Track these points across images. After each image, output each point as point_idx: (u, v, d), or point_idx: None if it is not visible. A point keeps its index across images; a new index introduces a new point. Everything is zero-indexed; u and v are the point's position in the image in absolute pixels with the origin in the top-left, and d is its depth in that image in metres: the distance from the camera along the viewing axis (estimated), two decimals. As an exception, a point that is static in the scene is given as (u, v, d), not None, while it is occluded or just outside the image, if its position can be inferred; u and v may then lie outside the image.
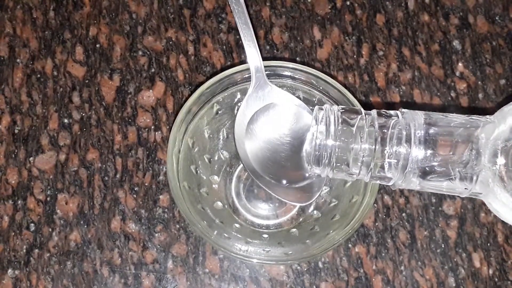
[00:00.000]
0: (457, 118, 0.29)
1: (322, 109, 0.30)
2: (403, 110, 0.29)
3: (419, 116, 0.29)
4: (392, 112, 0.30)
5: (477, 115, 0.29)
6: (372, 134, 0.28)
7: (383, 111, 0.30)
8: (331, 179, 0.37)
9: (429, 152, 0.28)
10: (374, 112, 0.30)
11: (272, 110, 0.34)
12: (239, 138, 0.34)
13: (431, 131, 0.28)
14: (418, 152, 0.28)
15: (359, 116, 0.29)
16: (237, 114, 0.34)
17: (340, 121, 0.29)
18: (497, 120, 0.29)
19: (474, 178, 0.28)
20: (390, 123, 0.29)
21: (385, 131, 0.29)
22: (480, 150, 0.28)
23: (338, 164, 0.29)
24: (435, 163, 0.28)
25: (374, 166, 0.29)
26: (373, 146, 0.28)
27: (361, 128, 0.29)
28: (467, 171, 0.28)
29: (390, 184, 0.30)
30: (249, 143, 0.34)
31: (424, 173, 0.28)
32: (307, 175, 0.34)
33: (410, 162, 0.28)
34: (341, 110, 0.30)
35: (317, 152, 0.29)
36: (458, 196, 0.32)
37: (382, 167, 0.29)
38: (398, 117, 0.29)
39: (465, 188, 0.29)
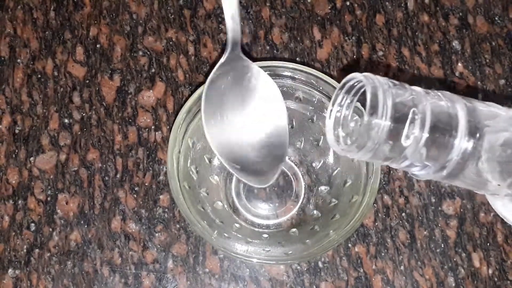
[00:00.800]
0: (499, 108, 0.27)
1: (361, 79, 0.26)
2: (443, 92, 0.27)
3: (462, 102, 0.26)
4: (433, 92, 0.27)
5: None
6: (423, 119, 0.26)
7: (426, 90, 0.27)
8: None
9: (478, 143, 0.26)
10: (421, 91, 0.26)
11: (241, 84, 0.33)
12: (207, 111, 0.33)
13: (478, 119, 0.26)
14: (467, 143, 0.25)
15: (408, 94, 0.26)
16: (204, 85, 0.33)
17: (394, 100, 0.25)
18: None
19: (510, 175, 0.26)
20: (436, 106, 0.26)
21: (432, 116, 0.26)
22: None
23: (380, 148, 0.26)
24: (478, 156, 0.26)
25: (418, 155, 0.26)
26: (423, 134, 0.25)
27: (409, 109, 0.26)
28: (506, 167, 0.26)
29: (418, 173, 0.27)
30: (217, 117, 0.33)
31: (463, 167, 0.26)
32: (268, 158, 0.33)
33: (457, 154, 0.26)
34: (392, 87, 0.26)
35: (358, 132, 0.26)
36: (476, 191, 0.30)
37: (421, 155, 0.26)
38: (442, 100, 0.26)
39: (498, 185, 0.27)
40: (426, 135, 0.26)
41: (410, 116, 0.26)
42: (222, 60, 0.33)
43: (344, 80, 0.28)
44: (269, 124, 0.34)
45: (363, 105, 0.27)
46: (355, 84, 0.28)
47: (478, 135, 0.26)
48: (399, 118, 0.26)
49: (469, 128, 0.26)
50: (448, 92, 0.27)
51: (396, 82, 0.27)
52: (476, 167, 0.26)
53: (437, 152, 0.26)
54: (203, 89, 0.33)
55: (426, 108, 0.26)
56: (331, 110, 0.29)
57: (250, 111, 0.34)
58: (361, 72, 0.40)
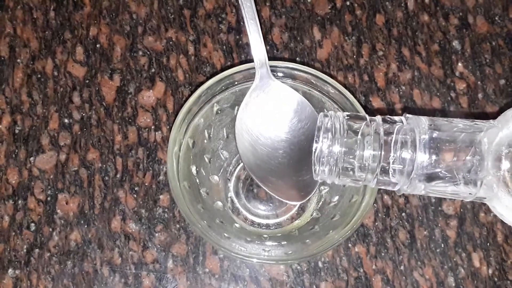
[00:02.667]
0: (460, 123, 0.29)
1: (327, 115, 0.30)
2: (407, 115, 0.30)
3: (423, 121, 0.29)
4: (396, 118, 0.30)
5: (481, 120, 0.29)
6: (377, 140, 0.29)
7: (388, 117, 0.30)
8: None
9: (433, 157, 0.28)
10: (379, 118, 0.30)
11: (274, 106, 0.34)
12: (239, 133, 0.34)
13: (435, 136, 0.28)
14: (423, 158, 0.28)
15: (364, 123, 0.30)
16: (239, 109, 0.34)
17: (345, 127, 0.29)
18: (500, 124, 0.29)
19: (479, 183, 0.28)
20: (395, 128, 0.29)
21: (390, 137, 0.29)
22: (483, 155, 0.28)
23: (344, 171, 0.30)
24: (440, 169, 0.28)
25: (379, 172, 0.29)
26: (378, 152, 0.29)
27: (366, 134, 0.29)
28: (471, 176, 0.28)
29: (395, 189, 0.30)
30: (248, 138, 0.34)
31: (429, 178, 0.28)
32: (304, 174, 0.34)
33: (415, 168, 0.28)
34: (346, 117, 0.30)
35: (323, 159, 0.30)
36: (462, 199, 0.32)
37: (387, 172, 0.29)
38: (403, 123, 0.29)
39: (470, 193, 0.29)
40: (376, 153, 0.29)
41: (366, 142, 0.29)
42: (253, 85, 0.34)
43: (317, 121, 0.31)
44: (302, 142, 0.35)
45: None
46: (326, 123, 0.31)
47: (437, 149, 0.28)
48: (355, 144, 0.29)
49: (428, 144, 0.28)
50: (409, 115, 0.30)
51: (359, 115, 0.31)
52: (445, 178, 0.29)
53: (400, 169, 0.29)
54: (203, 89, 0.33)
55: (381, 132, 0.29)
56: (315, 144, 0.32)
57: (285, 130, 0.35)
58: (361, 72, 0.40)
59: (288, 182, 0.35)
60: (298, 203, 0.38)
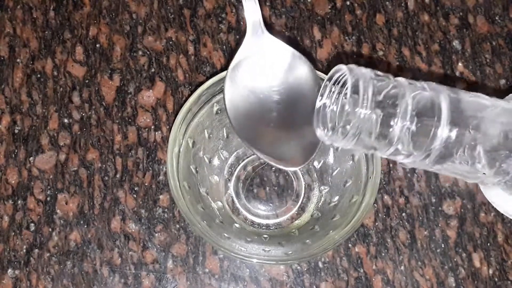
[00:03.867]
0: (485, 99, 0.28)
1: (342, 70, 0.28)
2: (429, 82, 0.28)
3: (446, 92, 0.27)
4: (418, 83, 0.28)
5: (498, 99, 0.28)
6: (405, 108, 0.27)
7: (411, 81, 0.28)
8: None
9: (461, 132, 0.26)
10: (404, 81, 0.27)
11: (265, 61, 0.32)
12: (230, 93, 0.31)
13: (462, 109, 0.26)
14: (449, 132, 0.26)
15: (391, 85, 0.27)
16: (228, 70, 0.32)
17: (374, 90, 0.27)
18: None
19: (497, 164, 0.27)
20: (420, 96, 0.27)
21: (415, 105, 0.27)
22: (509, 135, 0.27)
23: (363, 136, 0.27)
24: (463, 145, 0.26)
25: (401, 143, 0.27)
26: (405, 123, 0.26)
27: (392, 99, 0.27)
28: (493, 155, 0.27)
29: (404, 161, 0.28)
30: (237, 93, 0.31)
31: (447, 155, 0.27)
32: (301, 135, 0.31)
33: (439, 142, 0.26)
34: (374, 78, 0.27)
35: (343, 120, 0.27)
36: (464, 179, 0.30)
37: (405, 144, 0.27)
38: (427, 90, 0.27)
39: (483, 173, 0.27)
40: (408, 123, 0.27)
41: (392, 105, 0.27)
42: (244, 41, 0.32)
43: (330, 72, 0.29)
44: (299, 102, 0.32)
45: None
46: (342, 75, 0.29)
47: (461, 124, 0.27)
48: (382, 107, 0.27)
49: (452, 117, 0.27)
50: (433, 83, 0.28)
51: (380, 73, 0.28)
52: (462, 156, 0.27)
53: (420, 140, 0.27)
54: (203, 89, 0.33)
55: (408, 98, 0.27)
56: (319, 101, 0.30)
57: (281, 90, 0.32)
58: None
59: (284, 143, 0.32)
60: (296, 168, 0.35)
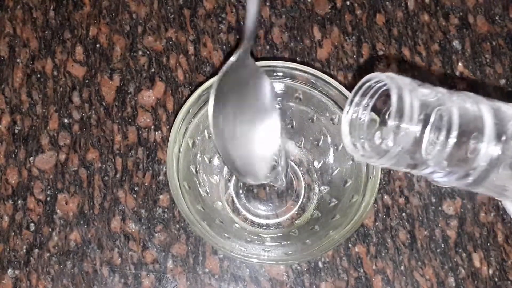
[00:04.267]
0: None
1: (384, 79, 0.24)
2: (467, 93, 0.25)
3: (487, 104, 0.24)
4: (457, 94, 0.25)
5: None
6: (452, 124, 0.24)
7: (450, 91, 0.25)
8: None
9: (506, 146, 0.24)
10: (446, 92, 0.24)
11: (246, 88, 0.32)
12: (215, 113, 0.30)
13: (503, 120, 0.24)
14: (494, 148, 0.24)
15: (435, 97, 0.24)
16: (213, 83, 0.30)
17: (420, 103, 0.23)
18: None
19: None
20: (463, 109, 0.24)
21: (460, 120, 0.24)
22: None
23: (405, 154, 0.24)
24: (505, 160, 0.24)
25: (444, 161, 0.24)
26: (449, 138, 0.23)
27: (437, 112, 0.24)
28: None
29: (439, 180, 0.25)
30: (221, 117, 0.30)
31: (489, 172, 0.24)
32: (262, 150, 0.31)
33: (485, 159, 0.24)
34: (417, 87, 0.24)
35: (383, 135, 0.24)
36: (502, 199, 0.28)
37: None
38: (467, 102, 0.24)
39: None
40: (453, 139, 0.24)
41: (436, 119, 0.24)
42: (233, 58, 0.30)
43: (362, 80, 0.26)
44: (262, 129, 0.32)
45: (374, 109, 0.26)
46: (374, 84, 0.26)
47: (504, 138, 0.24)
48: (425, 122, 0.24)
49: (496, 131, 0.24)
50: (471, 93, 0.26)
51: (419, 82, 0.25)
52: (498, 173, 0.25)
53: (463, 158, 0.24)
54: (203, 89, 0.33)
55: (452, 110, 0.24)
56: (347, 112, 0.27)
57: (250, 114, 0.32)
58: (361, 71, 0.40)
59: (250, 158, 0.32)
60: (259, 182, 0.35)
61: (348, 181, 0.35)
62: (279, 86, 0.35)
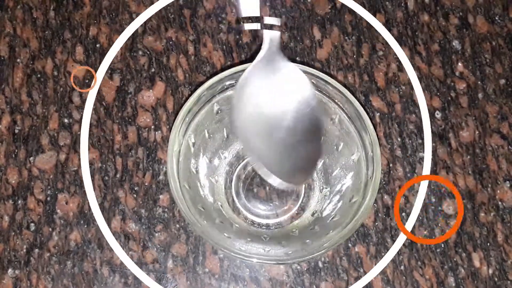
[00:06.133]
0: None
1: None
2: None
3: None
4: None
5: None
6: None
7: None
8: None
9: None
10: None
11: (276, 83, 0.31)
12: (238, 106, 0.30)
13: None
14: None
15: None
16: (240, 79, 0.31)
17: None
18: None
19: None
20: None
21: None
22: None
23: None
24: None
25: None
26: None
27: None
28: None
29: None
30: (245, 110, 0.30)
31: None
32: (301, 154, 0.31)
33: None
34: None
35: None
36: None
37: None
38: None
39: None
40: None
41: None
42: (258, 57, 0.31)
43: None
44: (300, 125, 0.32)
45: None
46: None
47: None
48: None
49: None
50: None
51: None
52: None
53: None
54: (203, 89, 0.33)
55: None
56: None
57: (284, 112, 0.31)
58: (361, 71, 0.40)
59: (288, 163, 0.32)
60: (299, 186, 0.35)
61: (348, 181, 0.35)
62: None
